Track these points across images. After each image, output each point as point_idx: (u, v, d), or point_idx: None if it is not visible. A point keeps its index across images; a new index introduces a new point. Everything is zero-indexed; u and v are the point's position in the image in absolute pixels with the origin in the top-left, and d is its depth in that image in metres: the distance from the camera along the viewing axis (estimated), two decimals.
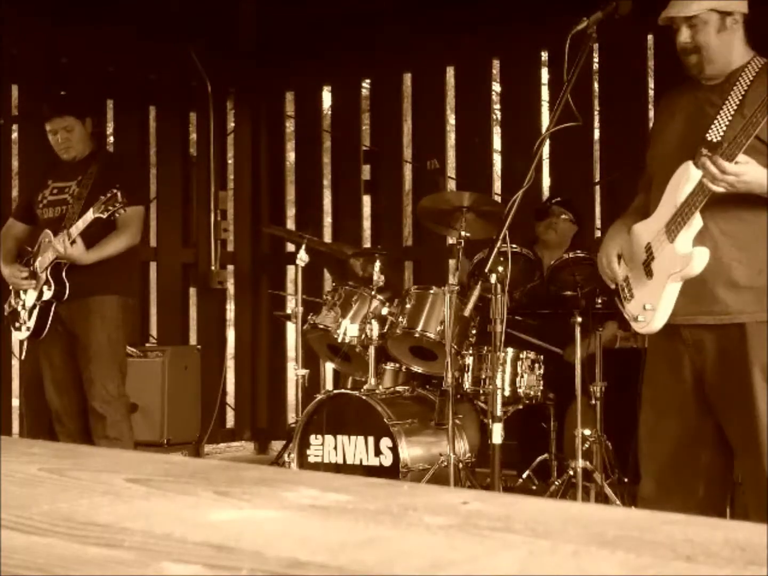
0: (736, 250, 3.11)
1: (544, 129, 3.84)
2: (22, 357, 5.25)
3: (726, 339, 3.13)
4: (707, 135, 3.11)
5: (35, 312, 5.04)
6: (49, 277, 4.98)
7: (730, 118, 3.10)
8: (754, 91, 3.11)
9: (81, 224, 4.82)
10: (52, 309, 5.02)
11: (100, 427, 5.02)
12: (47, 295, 4.99)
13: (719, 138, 3.09)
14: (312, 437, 4.95)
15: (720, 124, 3.11)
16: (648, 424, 3.35)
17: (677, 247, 3.10)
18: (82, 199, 5.02)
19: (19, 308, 5.11)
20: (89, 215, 4.78)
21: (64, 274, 4.97)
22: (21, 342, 5.24)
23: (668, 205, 3.16)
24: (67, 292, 4.98)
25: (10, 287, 5.21)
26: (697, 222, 3.08)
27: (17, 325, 5.15)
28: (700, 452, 3.23)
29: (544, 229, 5.52)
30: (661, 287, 3.15)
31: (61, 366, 5.12)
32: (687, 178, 3.09)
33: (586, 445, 4.51)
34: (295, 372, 5.52)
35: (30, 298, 5.07)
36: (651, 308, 3.17)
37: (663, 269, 3.16)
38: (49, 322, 5.02)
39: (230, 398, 7.93)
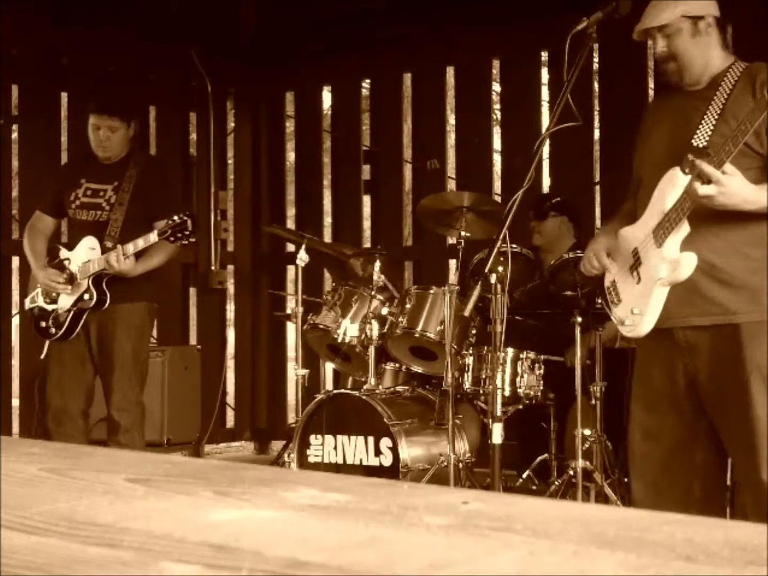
0: (727, 251, 3.12)
1: (544, 129, 3.84)
2: (42, 356, 5.22)
3: (720, 339, 3.14)
4: (693, 140, 3.13)
5: (69, 316, 5.01)
6: (91, 285, 4.96)
7: (714, 123, 3.12)
8: (735, 95, 3.13)
9: (141, 243, 4.78)
10: (85, 315, 5.00)
11: (113, 432, 5.03)
12: (88, 303, 4.95)
13: (705, 143, 3.10)
14: (312, 437, 4.95)
15: (705, 130, 3.13)
16: (641, 425, 3.36)
17: (665, 253, 3.12)
18: (124, 205, 4.97)
19: (50, 309, 5.06)
20: (152, 237, 4.74)
21: (104, 283, 4.96)
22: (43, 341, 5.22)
23: (655, 210, 3.17)
24: (108, 301, 4.97)
25: (38, 287, 5.17)
26: (684, 228, 3.09)
27: (43, 325, 5.09)
28: (694, 452, 3.24)
29: (532, 235, 5.49)
30: (648, 292, 3.17)
31: (71, 370, 5.09)
32: (674, 184, 3.10)
33: (586, 445, 4.51)
34: (295, 372, 5.52)
35: (66, 302, 5.01)
36: (639, 312, 3.18)
37: (650, 274, 3.17)
38: (79, 327, 5.01)
39: (230, 398, 7.94)
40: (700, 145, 3.10)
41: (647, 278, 3.18)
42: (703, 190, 2.91)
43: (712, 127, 3.11)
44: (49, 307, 5.07)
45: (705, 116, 3.14)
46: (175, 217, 4.69)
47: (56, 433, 5.10)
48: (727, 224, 3.10)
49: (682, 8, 3.20)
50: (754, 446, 3.06)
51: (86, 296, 4.96)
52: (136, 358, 5.08)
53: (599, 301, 4.46)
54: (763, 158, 3.07)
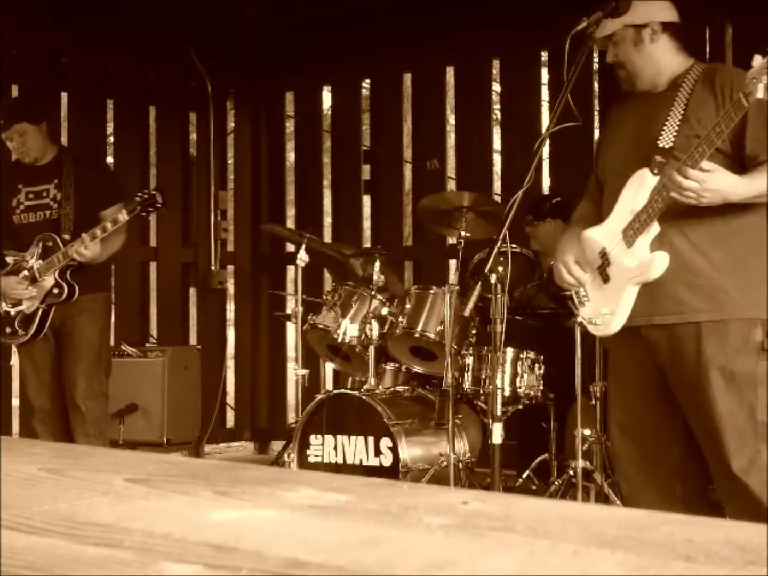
0: (691, 251, 3.16)
1: (544, 129, 3.84)
2: (12, 362, 5.24)
3: (682, 338, 3.18)
4: (659, 142, 3.17)
5: (38, 316, 5.01)
6: (58, 279, 4.97)
7: (678, 124, 3.17)
8: (696, 96, 3.18)
9: (110, 225, 4.82)
10: (52, 311, 5.01)
11: (80, 423, 5.03)
12: (59, 297, 4.96)
13: (671, 144, 3.15)
14: (312, 437, 4.95)
15: (670, 131, 3.18)
16: (618, 423, 3.42)
17: (636, 253, 3.16)
18: (71, 199, 5.02)
19: (14, 312, 5.06)
20: (122, 217, 4.78)
21: (69, 275, 4.98)
22: (10, 347, 5.23)
23: (623, 211, 3.21)
24: (77, 292, 4.98)
25: None
26: (654, 228, 3.14)
27: (8, 330, 5.07)
28: (672, 449, 3.28)
29: (528, 240, 5.47)
30: (619, 291, 3.22)
31: (44, 367, 5.11)
32: (642, 185, 3.15)
33: (586, 445, 4.51)
34: (295, 372, 5.51)
35: (30, 303, 5.02)
36: (609, 312, 3.24)
37: (621, 274, 3.22)
38: (47, 324, 5.02)
39: (230, 398, 7.93)
40: (666, 146, 3.16)
41: (617, 278, 3.23)
42: (686, 184, 2.95)
43: (676, 129, 3.17)
44: (13, 310, 5.06)
45: (668, 117, 3.20)
46: (142, 193, 4.74)
47: (44, 433, 5.11)
48: (693, 223, 3.14)
49: (625, 18, 3.27)
50: (721, 440, 3.10)
51: (56, 290, 4.98)
52: (102, 348, 5.13)
53: None
54: (727, 157, 3.11)
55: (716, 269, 3.14)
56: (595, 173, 3.52)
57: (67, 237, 4.94)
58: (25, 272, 5.03)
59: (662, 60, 3.28)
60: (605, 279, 3.27)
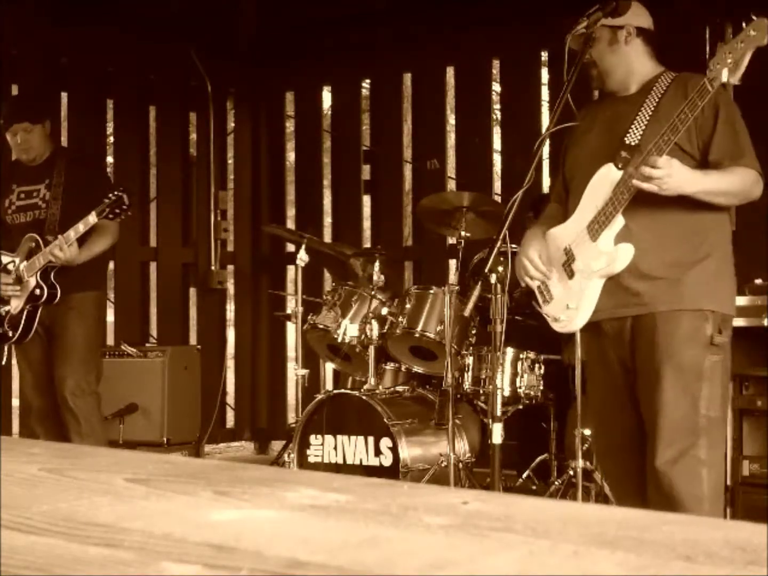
0: (650, 244, 3.19)
1: (544, 129, 3.84)
2: (3, 362, 5.25)
3: (639, 328, 3.22)
4: (625, 138, 3.22)
5: (24, 316, 5.02)
6: (39, 280, 4.98)
7: (646, 122, 3.22)
8: (668, 98, 3.23)
9: (82, 227, 4.80)
10: (39, 311, 5.02)
11: (73, 422, 5.03)
12: (40, 298, 4.97)
13: (637, 141, 3.19)
14: (312, 437, 4.95)
15: (637, 129, 3.23)
16: (594, 422, 3.53)
17: (600, 246, 3.20)
18: (59, 199, 5.02)
19: (3, 312, 5.07)
20: (92, 218, 4.77)
21: (53, 276, 4.98)
22: (3, 347, 5.24)
23: (589, 206, 3.25)
24: (59, 293, 4.99)
25: None
26: (619, 221, 3.17)
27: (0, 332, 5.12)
28: (645, 445, 3.27)
29: None
30: (583, 286, 3.26)
31: (39, 367, 5.13)
32: (608, 179, 3.19)
33: (586, 445, 4.52)
34: (295, 372, 5.52)
35: (17, 302, 5.04)
36: (574, 307, 3.27)
37: (585, 268, 3.25)
38: (35, 324, 5.02)
39: (230, 398, 7.94)
40: (633, 143, 3.20)
41: (582, 272, 3.26)
42: (657, 173, 2.97)
43: (644, 127, 3.21)
44: (3, 310, 5.09)
45: (637, 117, 3.24)
46: (111, 195, 4.74)
47: (42, 433, 5.11)
48: (648, 218, 3.16)
49: (602, 19, 3.31)
50: (655, 433, 3.13)
51: (37, 291, 4.99)
52: (89, 346, 5.12)
53: None
54: (693, 159, 3.15)
55: (676, 262, 3.19)
56: (561, 175, 3.55)
57: (50, 238, 4.93)
58: (13, 273, 5.05)
59: (634, 62, 3.34)
60: (570, 275, 3.30)
